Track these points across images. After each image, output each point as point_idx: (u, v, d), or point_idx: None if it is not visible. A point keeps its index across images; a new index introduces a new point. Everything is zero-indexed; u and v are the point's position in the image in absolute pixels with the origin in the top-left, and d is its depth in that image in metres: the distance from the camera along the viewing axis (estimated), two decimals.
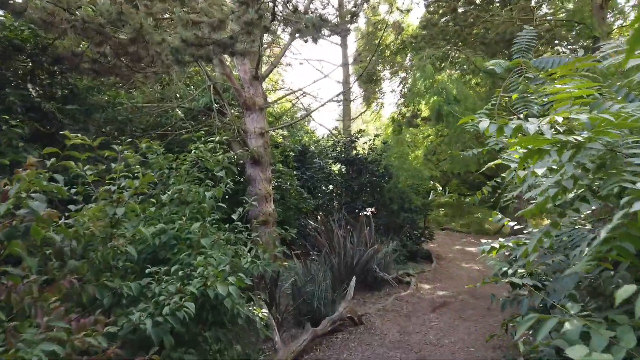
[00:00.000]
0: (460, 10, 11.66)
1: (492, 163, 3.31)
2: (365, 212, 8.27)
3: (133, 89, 8.56)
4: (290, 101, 14.10)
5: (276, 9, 5.87)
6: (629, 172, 1.57)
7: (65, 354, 1.76)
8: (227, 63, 7.96)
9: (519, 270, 2.81)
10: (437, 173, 11.71)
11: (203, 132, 4.45)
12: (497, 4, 11.43)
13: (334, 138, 12.90)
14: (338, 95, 15.03)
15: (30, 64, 5.87)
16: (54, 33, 5.49)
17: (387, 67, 16.46)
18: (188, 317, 2.42)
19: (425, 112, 12.51)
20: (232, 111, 8.23)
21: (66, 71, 6.10)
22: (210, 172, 4.05)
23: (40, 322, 1.84)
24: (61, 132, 2.64)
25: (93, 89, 6.78)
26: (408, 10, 15.27)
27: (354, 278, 6.22)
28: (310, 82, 26.27)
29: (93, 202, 2.86)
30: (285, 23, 6.48)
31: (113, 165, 2.98)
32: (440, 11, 12.12)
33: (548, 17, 11.31)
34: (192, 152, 4.01)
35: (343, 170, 11.32)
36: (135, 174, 3.08)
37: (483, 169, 3.72)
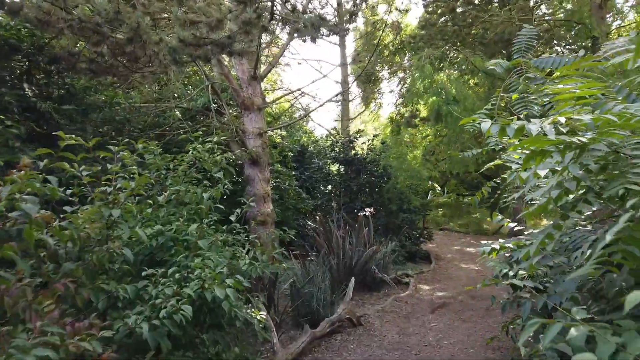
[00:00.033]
0: (459, 10, 11.65)
1: (491, 163, 3.29)
2: (364, 213, 8.24)
3: (131, 89, 8.51)
4: (289, 101, 14.06)
5: (275, 8, 5.83)
6: (633, 173, 1.54)
7: (59, 359, 1.72)
8: (226, 63, 7.93)
9: (520, 272, 2.78)
10: (436, 173, 11.70)
11: (201, 133, 4.41)
12: (496, 4, 11.42)
13: (333, 138, 12.88)
14: (337, 95, 15.00)
15: (27, 64, 5.82)
16: (50, 32, 5.44)
17: (386, 67, 16.44)
18: (185, 320, 2.38)
19: (423, 113, 12.50)
20: (231, 111, 8.19)
21: (63, 71, 6.05)
22: (208, 173, 4.02)
23: (34, 327, 1.80)
24: (55, 133, 2.60)
25: (90, 89, 6.74)
26: (407, 10, 15.26)
27: (352, 279, 6.19)
28: (309, 82, 26.28)
29: (89, 204, 2.82)
30: (283, 22, 6.44)
31: (110, 166, 2.95)
32: (439, 11, 12.11)
33: (547, 18, 11.30)
34: (190, 152, 3.97)
35: (342, 170, 11.29)
36: (132, 175, 3.04)
37: (482, 170, 3.70)
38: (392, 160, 10.58)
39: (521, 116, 3.22)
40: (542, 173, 1.64)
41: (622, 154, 1.61)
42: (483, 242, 3.21)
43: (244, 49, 5.74)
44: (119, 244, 2.49)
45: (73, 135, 2.45)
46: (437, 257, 10.74)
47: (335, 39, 15.69)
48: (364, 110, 19.12)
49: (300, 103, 14.72)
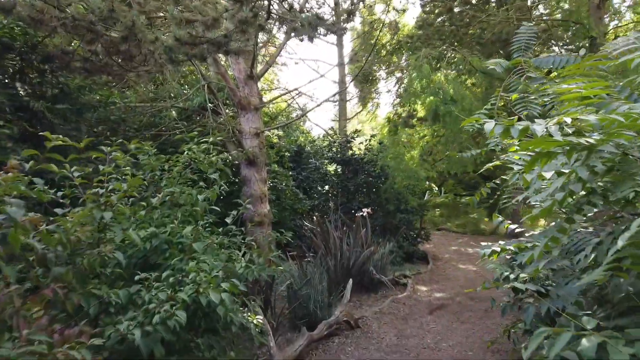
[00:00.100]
0: (456, 10, 11.63)
1: (491, 164, 3.24)
2: (361, 213, 8.19)
3: (126, 89, 8.43)
4: (286, 101, 13.99)
5: (271, 7, 5.76)
6: None
7: None
8: (222, 62, 7.86)
9: (521, 275, 2.73)
10: (433, 174, 11.65)
11: (196, 133, 4.34)
12: (493, 4, 11.40)
13: (330, 138, 12.82)
14: (334, 95, 14.94)
15: (20, 63, 5.73)
16: (43, 31, 5.36)
17: (383, 67, 16.39)
18: (179, 326, 2.32)
19: (421, 113, 12.45)
20: (227, 111, 8.12)
21: (57, 70, 5.96)
22: (204, 174, 3.95)
23: (21, 335, 1.73)
24: (42, 134, 2.53)
25: (85, 88, 6.65)
26: (404, 10, 15.22)
27: (350, 281, 6.14)
28: (306, 81, 26.18)
29: (81, 205, 2.75)
30: (280, 21, 6.37)
31: (102, 167, 2.87)
32: (436, 11, 12.08)
33: (544, 18, 11.29)
34: (185, 153, 3.90)
35: (339, 170, 11.24)
36: (124, 177, 2.97)
37: (482, 170, 3.65)
38: (390, 161, 10.52)
39: (522, 116, 3.17)
40: (548, 175, 1.59)
41: (630, 156, 1.56)
42: (483, 243, 3.16)
43: (240, 48, 5.68)
44: (111, 248, 2.41)
45: (60, 136, 2.37)
46: (435, 258, 10.70)
47: (332, 38, 15.66)
48: (361, 110, 19.06)
49: (297, 103, 14.65)
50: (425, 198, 10.83)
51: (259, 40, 8.57)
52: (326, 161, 11.50)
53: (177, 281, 2.69)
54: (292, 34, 6.39)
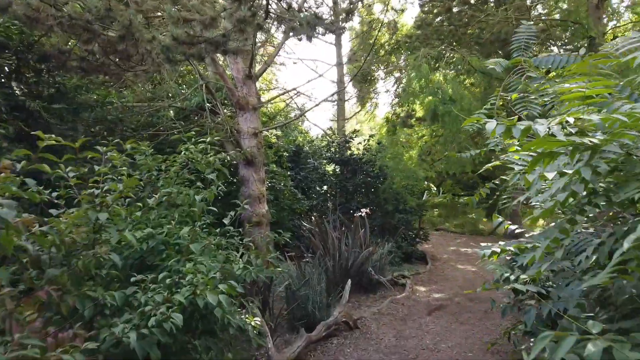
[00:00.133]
0: (455, 10, 11.61)
1: (490, 164, 3.21)
2: (360, 213, 8.16)
3: (124, 88, 8.38)
4: (284, 101, 13.96)
5: (269, 6, 5.73)
6: None
7: None
8: (220, 62, 7.82)
9: (522, 276, 2.71)
10: (432, 174, 11.64)
11: (194, 133, 4.30)
12: (492, 4, 11.39)
13: (328, 138, 12.78)
14: (332, 95, 14.92)
15: (16, 62, 5.68)
16: (39, 30, 5.32)
17: (382, 67, 16.38)
18: (176, 328, 2.28)
19: (419, 113, 12.45)
20: (225, 111, 8.08)
21: (53, 69, 5.92)
22: (201, 174, 3.91)
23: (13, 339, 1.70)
24: (34, 133, 2.48)
25: (81, 88, 6.60)
26: (403, 10, 15.21)
27: (349, 281, 6.11)
28: (305, 81, 26.10)
29: (77, 206, 2.72)
30: (279, 21, 6.34)
31: (97, 167, 2.83)
32: (435, 11, 12.06)
33: (543, 18, 11.29)
34: (182, 153, 3.86)
35: (337, 170, 11.20)
36: (120, 177, 2.93)
37: (481, 171, 3.62)
38: (388, 161, 10.51)
39: (522, 116, 3.15)
40: (550, 176, 1.56)
41: (634, 156, 1.53)
42: (482, 244, 3.14)
43: (238, 47, 5.65)
44: (107, 249, 2.38)
45: (53, 135, 2.33)
46: (433, 258, 10.68)
47: (331, 38, 15.63)
48: (360, 110, 19.04)
49: (295, 103, 14.62)
50: (424, 198, 10.83)
51: (257, 40, 8.53)
52: (325, 161, 11.47)
53: (173, 283, 2.65)
54: (291, 34, 6.36)
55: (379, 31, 13.99)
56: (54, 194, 2.65)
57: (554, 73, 3.98)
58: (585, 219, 2.67)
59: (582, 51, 3.39)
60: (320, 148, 12.49)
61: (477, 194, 3.47)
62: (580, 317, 1.91)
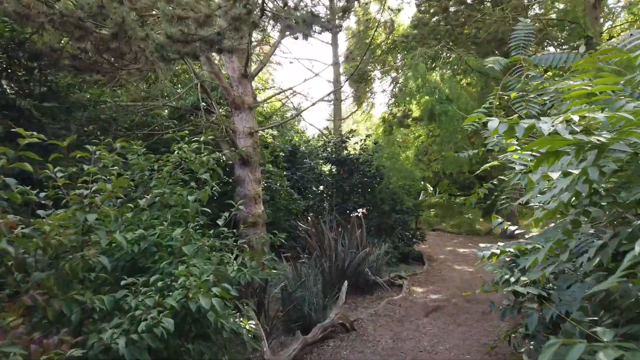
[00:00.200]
0: (451, 9, 11.57)
1: (489, 164, 3.16)
2: (356, 213, 8.11)
3: (118, 87, 8.28)
4: (280, 100, 13.88)
5: (265, 4, 5.66)
6: None
7: None
8: (215, 61, 7.74)
9: (522, 278, 2.65)
10: (429, 174, 11.60)
11: (187, 132, 4.22)
12: (489, 4, 11.37)
13: (325, 138, 12.72)
14: (329, 94, 14.84)
15: (6, 59, 5.58)
16: (30, 27, 5.23)
17: (378, 67, 16.34)
18: (167, 333, 2.21)
19: (416, 112, 12.41)
20: (221, 110, 8.00)
21: (45, 67, 5.82)
22: (195, 174, 3.84)
23: None
24: (14, 130, 2.39)
25: (74, 87, 6.51)
26: (399, 10, 15.17)
27: (345, 283, 6.05)
28: (301, 81, 26.04)
29: (65, 207, 2.63)
30: (274, 19, 6.27)
31: (86, 167, 2.75)
32: (432, 10, 12.02)
33: (540, 17, 11.28)
34: (175, 152, 3.78)
35: (334, 170, 11.14)
36: (110, 177, 2.85)
37: (479, 171, 3.57)
38: (385, 161, 10.46)
39: (522, 115, 3.10)
40: (554, 175, 1.50)
41: None
42: (481, 245, 3.08)
43: (233, 46, 5.57)
44: (95, 251, 2.30)
45: (34, 133, 2.24)
46: (430, 259, 10.64)
47: (327, 37, 15.57)
48: (356, 110, 19.00)
49: (291, 102, 14.55)
50: (420, 198, 10.78)
51: (253, 39, 8.47)
52: (321, 161, 11.41)
53: (165, 286, 2.58)
54: (287, 32, 6.30)
55: (375, 31, 13.94)
56: (42, 195, 2.56)
57: (550, 73, 3.95)
58: (586, 219, 2.62)
59: (582, 49, 3.35)
60: (316, 148, 12.42)
61: (474, 194, 3.42)
62: (583, 320, 1.86)
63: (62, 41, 6.12)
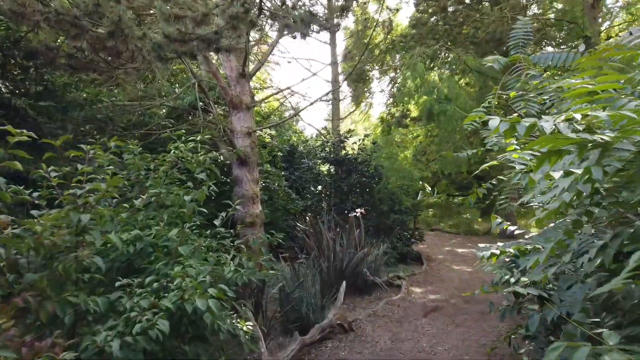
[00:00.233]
0: (450, 9, 11.58)
1: (488, 164, 3.13)
2: (354, 213, 8.07)
3: (114, 87, 8.23)
4: (278, 100, 13.84)
5: (263, 3, 5.62)
6: None
7: None
8: (213, 60, 7.71)
9: (522, 279, 2.63)
10: (427, 174, 11.59)
11: (184, 131, 4.18)
12: (487, 3, 11.37)
13: (323, 138, 12.69)
14: (327, 94, 14.80)
15: (2, 58, 5.53)
16: (26, 25, 5.18)
17: (377, 67, 16.32)
18: (162, 335, 2.17)
19: (414, 112, 12.40)
20: (218, 110, 7.96)
21: (41, 66, 5.77)
22: (192, 174, 3.80)
23: None
24: (2, 127, 2.35)
25: (70, 86, 6.46)
26: (397, 9, 15.15)
27: (344, 283, 6.02)
28: (299, 80, 25.99)
29: (59, 207, 2.59)
30: (272, 18, 6.23)
31: (80, 166, 2.71)
32: (430, 10, 12.02)
33: (539, 17, 11.28)
34: (172, 152, 3.74)
35: (332, 170, 11.11)
36: (104, 177, 2.81)
37: (478, 171, 3.55)
38: (383, 161, 10.43)
39: (522, 114, 3.07)
40: (556, 175, 1.48)
41: None
42: (480, 245, 3.06)
43: (231, 45, 5.54)
44: (89, 252, 2.26)
45: (24, 130, 2.20)
46: (429, 259, 10.62)
47: (325, 37, 15.57)
48: (355, 110, 18.98)
49: (289, 102, 14.51)
50: (418, 198, 10.76)
51: (251, 38, 8.42)
52: (319, 161, 11.38)
53: (161, 287, 2.54)
54: (285, 31, 6.25)
55: (373, 30, 13.90)
56: (35, 194, 2.52)
57: (549, 72, 3.93)
58: (587, 219, 2.60)
59: (582, 48, 3.33)
60: (314, 148, 12.40)
61: (473, 194, 3.39)
62: (585, 322, 1.83)
63: (58, 40, 6.07)
